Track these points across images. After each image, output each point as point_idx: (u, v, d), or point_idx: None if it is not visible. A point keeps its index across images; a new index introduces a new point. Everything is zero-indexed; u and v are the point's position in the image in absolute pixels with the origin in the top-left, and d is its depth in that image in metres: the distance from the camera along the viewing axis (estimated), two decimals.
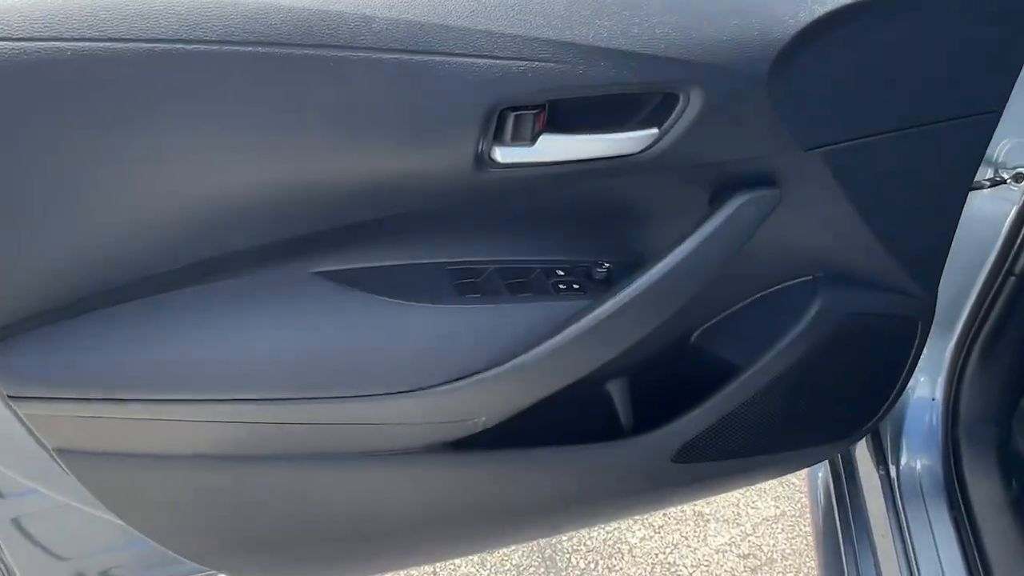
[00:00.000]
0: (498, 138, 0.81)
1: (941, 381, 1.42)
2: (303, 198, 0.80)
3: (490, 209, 0.92)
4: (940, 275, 1.11)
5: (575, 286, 0.95)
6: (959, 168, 1.03)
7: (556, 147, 0.83)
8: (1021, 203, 1.19)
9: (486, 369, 0.89)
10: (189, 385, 0.82)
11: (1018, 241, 1.21)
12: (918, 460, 1.41)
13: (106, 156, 0.72)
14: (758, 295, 1.10)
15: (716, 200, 0.93)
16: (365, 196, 0.82)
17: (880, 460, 1.45)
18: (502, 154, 0.82)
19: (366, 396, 0.87)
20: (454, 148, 0.80)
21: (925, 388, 1.42)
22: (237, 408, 0.84)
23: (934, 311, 1.15)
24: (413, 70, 0.75)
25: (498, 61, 0.76)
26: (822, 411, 1.18)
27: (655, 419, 1.10)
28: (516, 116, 0.80)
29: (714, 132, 0.86)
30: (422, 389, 0.88)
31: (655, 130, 0.85)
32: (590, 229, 1.00)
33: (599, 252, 1.00)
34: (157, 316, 0.82)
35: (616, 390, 1.13)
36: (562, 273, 0.97)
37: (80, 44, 0.68)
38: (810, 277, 1.08)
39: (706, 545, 1.96)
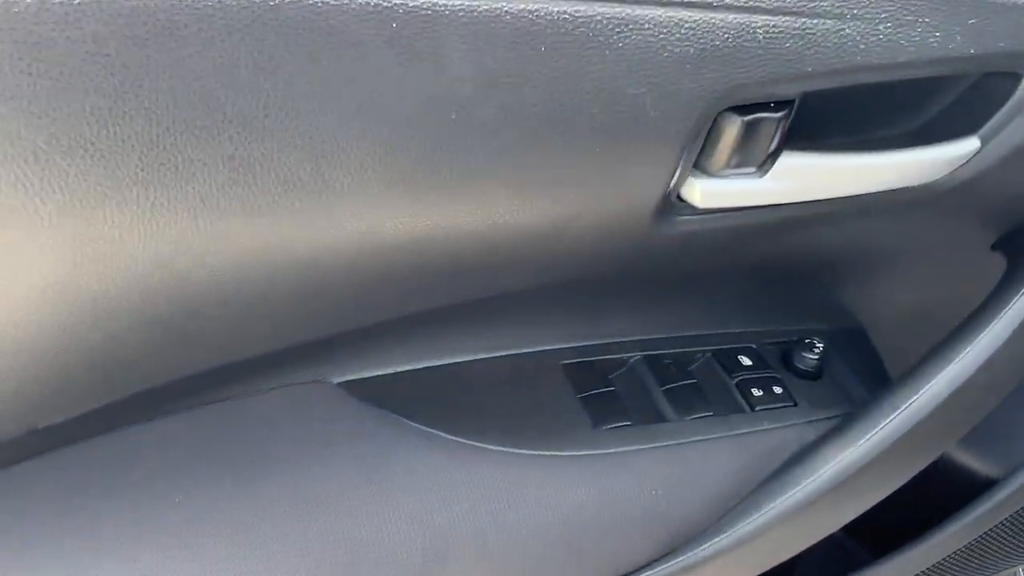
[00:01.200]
0: (701, 163, 0.43)
1: None
2: (350, 279, 0.41)
3: (646, 272, 0.54)
4: None
5: (776, 388, 0.57)
6: None
7: (804, 177, 0.45)
8: None
9: (648, 566, 0.51)
10: None
11: None
12: None
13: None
14: None
15: (1018, 244, 0.56)
16: (454, 271, 0.44)
17: None
18: (704, 191, 0.43)
19: None
20: (625, 184, 0.41)
21: None
22: None
23: None
24: (559, 34, 0.35)
25: (726, 16, 0.37)
26: None
27: (853, 551, 0.74)
28: (747, 124, 0.41)
29: None
30: None
31: (975, 141, 0.46)
32: (786, 287, 0.62)
33: (793, 319, 0.63)
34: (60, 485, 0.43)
35: None
36: (748, 362, 0.59)
37: None
38: None
39: None
